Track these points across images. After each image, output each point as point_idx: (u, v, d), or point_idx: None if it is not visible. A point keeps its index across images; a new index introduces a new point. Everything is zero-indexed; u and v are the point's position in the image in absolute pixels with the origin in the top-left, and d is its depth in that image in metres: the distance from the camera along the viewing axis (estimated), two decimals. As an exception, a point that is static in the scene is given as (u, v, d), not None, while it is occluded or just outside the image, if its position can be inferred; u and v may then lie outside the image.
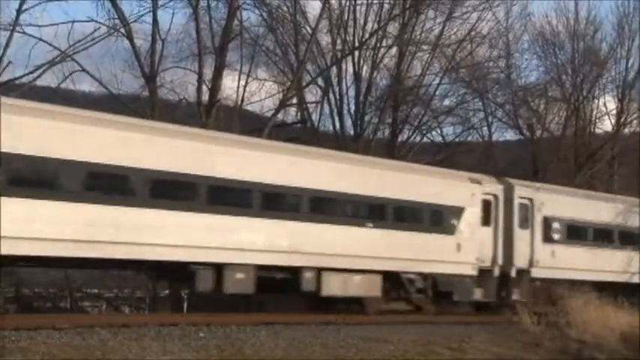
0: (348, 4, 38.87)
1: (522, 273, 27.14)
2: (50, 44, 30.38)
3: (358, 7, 38.88)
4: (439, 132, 43.93)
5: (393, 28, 39.43)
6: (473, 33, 40.50)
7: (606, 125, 47.39)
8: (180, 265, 19.23)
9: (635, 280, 30.62)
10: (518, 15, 43.74)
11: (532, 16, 48.04)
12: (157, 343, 15.81)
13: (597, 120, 47.16)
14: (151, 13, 32.18)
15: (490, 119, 45.13)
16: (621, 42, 45.80)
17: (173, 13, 43.90)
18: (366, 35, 38.68)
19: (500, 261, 26.53)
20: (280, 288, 21.70)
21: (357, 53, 39.25)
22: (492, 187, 26.83)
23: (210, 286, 19.80)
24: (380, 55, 39.54)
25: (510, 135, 47.13)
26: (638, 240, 31.32)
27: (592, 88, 45.45)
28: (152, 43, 32.23)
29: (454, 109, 42.65)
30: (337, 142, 37.17)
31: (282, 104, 35.77)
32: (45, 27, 31.02)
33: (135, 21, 32.04)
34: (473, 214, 25.79)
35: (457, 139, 44.40)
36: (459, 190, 25.65)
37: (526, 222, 27.49)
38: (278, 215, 21.06)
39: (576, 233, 29.26)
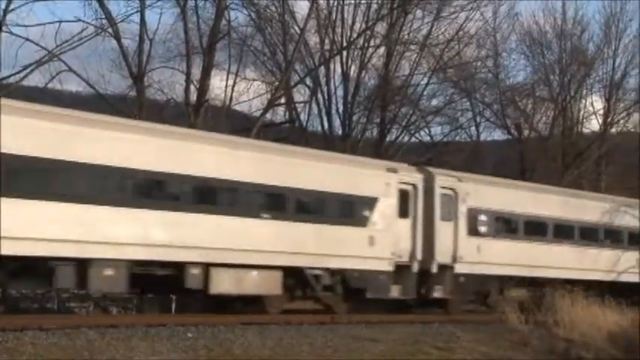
0: (336, 4, 38.98)
1: (445, 269, 25.21)
2: (37, 44, 30.41)
3: (346, 7, 39.00)
4: (427, 132, 44.18)
5: (381, 28, 39.61)
6: (461, 33, 40.69)
7: (593, 125, 47.68)
8: (40, 261, 17.37)
9: (586, 276, 28.81)
10: (506, 15, 44.00)
11: (519, 16, 47.96)
12: (144, 343, 15.77)
13: (584, 120, 47.49)
14: (139, 13, 32.24)
15: (478, 119, 45.40)
16: (608, 42, 46.09)
17: (161, 13, 43.88)
18: (354, 35, 38.76)
19: (419, 256, 24.57)
20: (163, 286, 19.83)
21: (345, 53, 39.34)
22: (411, 176, 24.88)
23: (72, 284, 18.00)
24: (368, 55, 39.67)
25: (498, 135, 47.37)
26: (589, 235, 30.11)
27: (579, 88, 45.68)
28: (140, 42, 32.22)
29: (442, 109, 42.78)
30: (325, 141, 37.19)
31: (271, 104, 35.80)
32: (32, 27, 31.05)
33: (122, 21, 32.14)
34: (388, 205, 23.83)
35: (445, 139, 44.57)
36: (372, 179, 23.66)
37: (449, 214, 25.58)
38: (155, 205, 19.07)
39: (506, 226, 27.52)
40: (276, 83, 37.13)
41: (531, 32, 45.80)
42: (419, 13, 39.79)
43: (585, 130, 47.87)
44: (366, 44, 39.25)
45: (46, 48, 30.37)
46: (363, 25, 38.89)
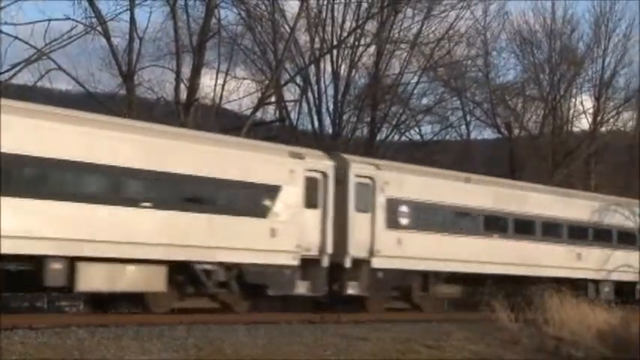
0: (326, 2, 39.04)
1: (361, 263, 23.57)
2: (26, 42, 30.31)
3: (336, 6, 39.09)
4: (417, 130, 44.29)
5: (371, 26, 39.66)
6: (451, 32, 40.85)
7: (583, 124, 47.83)
8: None
9: (516, 271, 27.55)
10: (496, 14, 44.03)
11: (509, 14, 48.09)
12: (135, 342, 15.75)
13: (574, 119, 47.62)
14: (128, 12, 32.14)
15: (468, 118, 45.52)
16: (598, 41, 46.24)
17: (150, 12, 43.66)
18: (345, 34, 38.85)
19: (329, 249, 22.78)
20: (21, 283, 17.88)
21: (335, 52, 39.39)
22: (320, 163, 23.10)
23: None
24: (358, 54, 39.76)
25: (488, 134, 47.49)
26: (526, 228, 28.58)
27: (569, 87, 45.83)
28: (129, 41, 32.16)
29: (432, 108, 42.92)
30: (316, 140, 37.20)
31: (261, 103, 35.77)
32: (21, 25, 30.92)
33: (112, 19, 32.03)
34: (292, 194, 22.09)
35: (435, 138, 44.66)
36: (273, 165, 21.87)
37: (365, 205, 23.76)
38: (7, 191, 16.96)
39: (431, 218, 25.65)
40: (267, 82, 37.11)
41: (521, 31, 45.99)
42: (409, 11, 39.99)
43: (575, 129, 48.09)
44: (356, 43, 39.32)
45: (35, 46, 30.32)
46: (354, 24, 38.98)
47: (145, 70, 34.13)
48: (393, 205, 24.38)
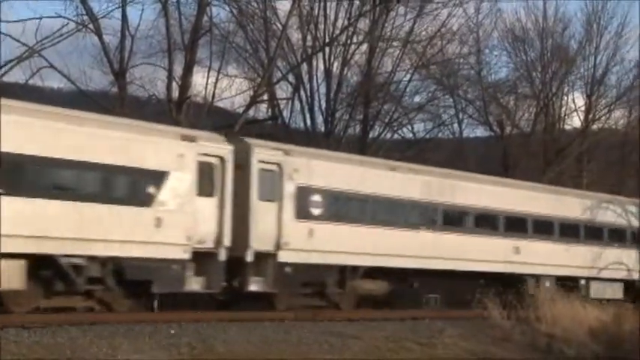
0: (318, 0, 38.90)
1: (267, 257, 21.62)
2: (18, 40, 30.25)
3: (328, 4, 38.98)
4: (410, 128, 44.26)
5: (363, 24, 39.59)
6: (443, 29, 40.79)
7: (575, 122, 47.93)
8: None
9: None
10: (488, 12, 44.06)
11: (501, 12, 48.20)
12: (127, 341, 15.75)
13: (566, 116, 47.70)
14: (120, 9, 32.07)
15: (460, 116, 45.54)
16: (589, 39, 46.31)
17: (142, 9, 43.56)
18: (337, 32, 38.77)
19: (227, 241, 20.70)
20: None
21: (327, 50, 39.34)
22: (216, 147, 21.04)
23: None
24: (350, 52, 39.71)
25: (481, 131, 47.51)
26: (455, 220, 26.93)
27: (561, 85, 45.90)
28: (121, 39, 32.08)
29: (425, 106, 42.90)
30: (308, 138, 37.19)
31: (253, 101, 35.74)
32: (12, 23, 30.85)
33: (103, 17, 31.96)
34: (182, 180, 20.00)
35: (428, 136, 44.66)
36: (158, 148, 19.71)
37: (271, 193, 21.82)
38: None
39: (349, 209, 23.79)
40: (259, 80, 37.08)
41: (513, 29, 46.06)
42: (401, 9, 39.89)
43: (567, 127, 48.21)
44: (348, 41, 39.28)
45: (26, 44, 30.24)
46: (346, 22, 38.92)
47: (136, 67, 34.12)
48: (304, 194, 22.43)
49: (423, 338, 19.78)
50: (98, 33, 31.90)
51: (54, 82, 34.65)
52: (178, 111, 31.65)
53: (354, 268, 23.66)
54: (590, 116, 46.78)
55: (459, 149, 44.86)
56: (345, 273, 23.52)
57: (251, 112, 36.80)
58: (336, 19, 39.03)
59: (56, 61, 31.48)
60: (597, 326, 22.08)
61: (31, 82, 31.32)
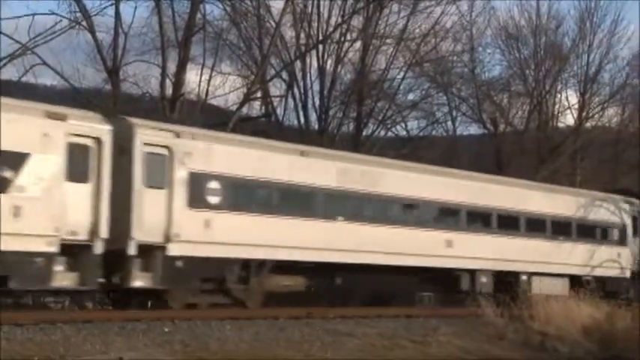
0: (311, -3, 38.90)
1: (155, 250, 19.58)
2: (11, 37, 30.21)
3: (322, 1, 39.05)
4: (403, 126, 44.27)
5: (357, 22, 39.67)
6: (437, 27, 40.81)
7: (568, 119, 48.04)
8: None
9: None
10: (482, 9, 44.12)
11: (495, 10, 48.26)
12: (120, 338, 15.72)
13: (560, 114, 47.80)
14: (113, 6, 32.02)
15: (454, 113, 45.58)
16: (583, 37, 46.40)
17: (136, 7, 43.33)
18: (330, 29, 38.76)
19: (104, 232, 18.59)
20: None
21: (321, 47, 39.36)
22: (91, 127, 18.82)
23: None
24: (344, 49, 39.74)
25: (474, 129, 47.57)
26: (376, 211, 24.63)
27: (554, 83, 46.00)
28: (114, 36, 32.08)
29: (418, 104, 42.96)
30: (302, 136, 37.17)
31: (247, 98, 35.73)
32: (5, 20, 30.77)
33: (97, 14, 31.96)
34: (48, 163, 17.93)
35: (421, 134, 44.66)
36: (17, 127, 17.49)
37: (159, 179, 19.72)
38: None
39: (251, 197, 21.66)
40: (252, 77, 37.07)
41: (507, 27, 46.15)
42: (395, 7, 39.96)
43: (560, 125, 48.31)
44: (342, 38, 39.30)
45: (19, 41, 30.20)
46: (339, 19, 38.92)
47: (130, 65, 34.11)
48: (198, 181, 20.36)
49: (417, 336, 19.76)
50: (91, 30, 31.87)
51: (47, 79, 34.65)
52: (172, 108, 31.63)
53: (261, 263, 21.73)
54: (584, 114, 46.91)
55: (452, 147, 44.90)
56: (249, 268, 21.54)
57: (244, 110, 36.83)
58: (329, 17, 39.10)
59: (49, 58, 31.52)
60: (591, 324, 22.08)
61: (24, 79, 31.31)
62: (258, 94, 38.33)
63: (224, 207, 20.86)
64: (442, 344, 19.62)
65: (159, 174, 19.72)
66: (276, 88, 41.03)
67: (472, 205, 26.96)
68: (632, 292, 31.06)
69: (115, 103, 30.70)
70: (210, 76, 35.96)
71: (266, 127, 37.96)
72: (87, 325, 16.49)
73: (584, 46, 46.38)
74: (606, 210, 31.83)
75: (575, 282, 29.11)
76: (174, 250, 19.79)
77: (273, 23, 38.09)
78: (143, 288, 19.52)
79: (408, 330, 20.30)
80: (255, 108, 40.45)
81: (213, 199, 20.69)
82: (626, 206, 32.71)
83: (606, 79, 47.67)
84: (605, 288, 29.86)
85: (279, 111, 40.45)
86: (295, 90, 39.69)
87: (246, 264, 21.43)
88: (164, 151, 19.91)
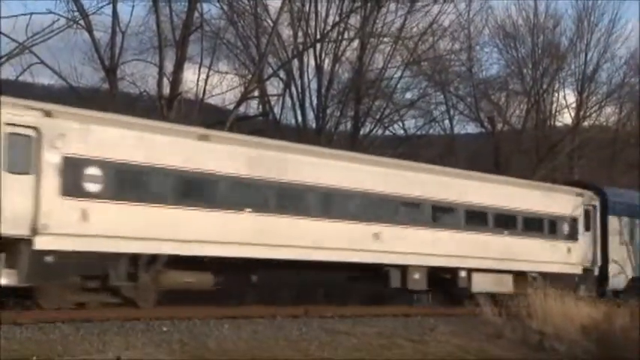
0: (309, -4, 38.90)
1: (19, 244, 17.44)
2: (8, 36, 30.21)
3: (319, 0, 38.91)
4: (401, 125, 44.24)
5: (354, 20, 39.66)
6: (434, 26, 40.81)
7: (566, 118, 48.03)
8: None
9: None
10: (479, 8, 44.15)
11: (492, 9, 48.31)
12: (119, 337, 15.74)
13: (557, 113, 47.80)
14: (111, 5, 32.05)
15: (452, 112, 45.49)
16: (580, 36, 46.42)
17: (133, 6, 43.55)
18: (328, 28, 38.77)
19: None
20: None
21: (318, 46, 39.33)
22: None
23: None
24: (342, 48, 39.72)
25: (472, 128, 47.55)
26: (290, 201, 22.19)
27: (552, 82, 45.98)
28: (112, 35, 32.10)
29: (416, 102, 42.95)
30: (299, 135, 37.16)
31: (244, 97, 35.73)
32: (3, 19, 30.74)
33: (94, 13, 31.98)
34: None
35: (419, 132, 44.67)
36: None
37: (25, 164, 17.52)
38: None
39: (138, 185, 19.36)
40: (250, 76, 37.06)
41: (504, 26, 46.16)
42: (392, 5, 39.94)
43: (558, 124, 48.31)
44: (339, 37, 39.27)
45: (17, 40, 30.20)
46: (337, 18, 38.93)
47: (127, 64, 34.16)
48: (74, 166, 18.09)
49: (415, 335, 19.78)
50: (89, 29, 31.88)
51: (44, 78, 34.65)
52: (169, 107, 31.64)
53: (153, 258, 19.57)
54: (581, 113, 46.88)
55: (450, 146, 44.88)
56: (137, 263, 19.46)
57: (242, 109, 36.89)
58: (327, 16, 39.11)
59: (47, 57, 31.56)
60: (589, 323, 22.09)
61: (21, 78, 31.29)
62: (256, 93, 38.35)
63: (105, 196, 18.56)
64: (440, 343, 19.64)
65: (24, 158, 17.52)
66: (274, 87, 41.10)
67: (403, 195, 24.78)
68: (584, 290, 29.09)
69: (112, 103, 30.65)
70: (208, 75, 36.06)
71: (263, 126, 37.94)
72: (85, 324, 16.51)
73: (581, 45, 46.42)
74: (556, 202, 29.61)
75: (520, 279, 27.54)
76: (42, 243, 17.55)
77: (270, 22, 38.14)
78: (9, 286, 17.41)
79: (406, 329, 20.33)
80: (253, 107, 40.56)
81: (93, 187, 18.40)
82: (579, 199, 30.51)
83: (604, 78, 47.76)
84: (552, 285, 25.63)
85: (277, 110, 40.47)
86: (293, 89, 39.70)
87: (133, 259, 19.28)
88: (30, 132, 17.64)
